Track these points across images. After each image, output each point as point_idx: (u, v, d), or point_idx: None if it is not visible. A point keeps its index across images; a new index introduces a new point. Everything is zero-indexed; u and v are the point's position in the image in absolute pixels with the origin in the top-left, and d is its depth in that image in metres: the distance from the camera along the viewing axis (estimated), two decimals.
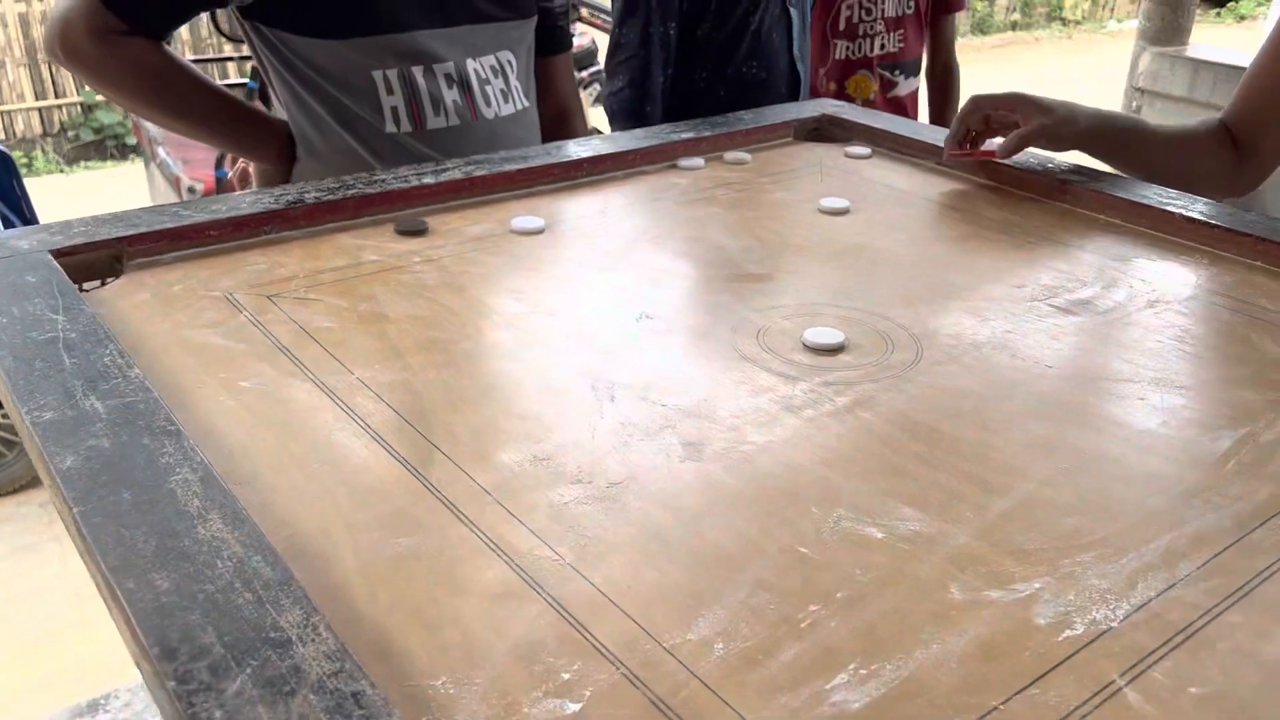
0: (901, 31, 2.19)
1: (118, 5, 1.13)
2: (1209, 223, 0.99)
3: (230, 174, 1.46)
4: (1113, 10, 12.06)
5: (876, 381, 0.75)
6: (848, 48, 2.17)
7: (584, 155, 1.15)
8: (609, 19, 2.33)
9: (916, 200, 1.12)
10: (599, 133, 1.49)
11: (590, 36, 4.27)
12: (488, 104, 1.29)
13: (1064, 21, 11.62)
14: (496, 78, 1.31)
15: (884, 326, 0.83)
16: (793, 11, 1.79)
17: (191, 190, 2.99)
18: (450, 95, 1.26)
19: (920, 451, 0.66)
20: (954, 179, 1.19)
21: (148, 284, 0.86)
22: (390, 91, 1.23)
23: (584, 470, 0.63)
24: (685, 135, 1.23)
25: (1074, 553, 0.57)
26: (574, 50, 3.92)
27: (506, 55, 1.33)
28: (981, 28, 11.06)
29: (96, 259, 0.88)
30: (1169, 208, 1.03)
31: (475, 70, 1.28)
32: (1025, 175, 1.14)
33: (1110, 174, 1.12)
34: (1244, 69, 1.18)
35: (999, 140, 1.13)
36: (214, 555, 0.50)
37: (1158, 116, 3.05)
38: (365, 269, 0.90)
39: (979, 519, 0.60)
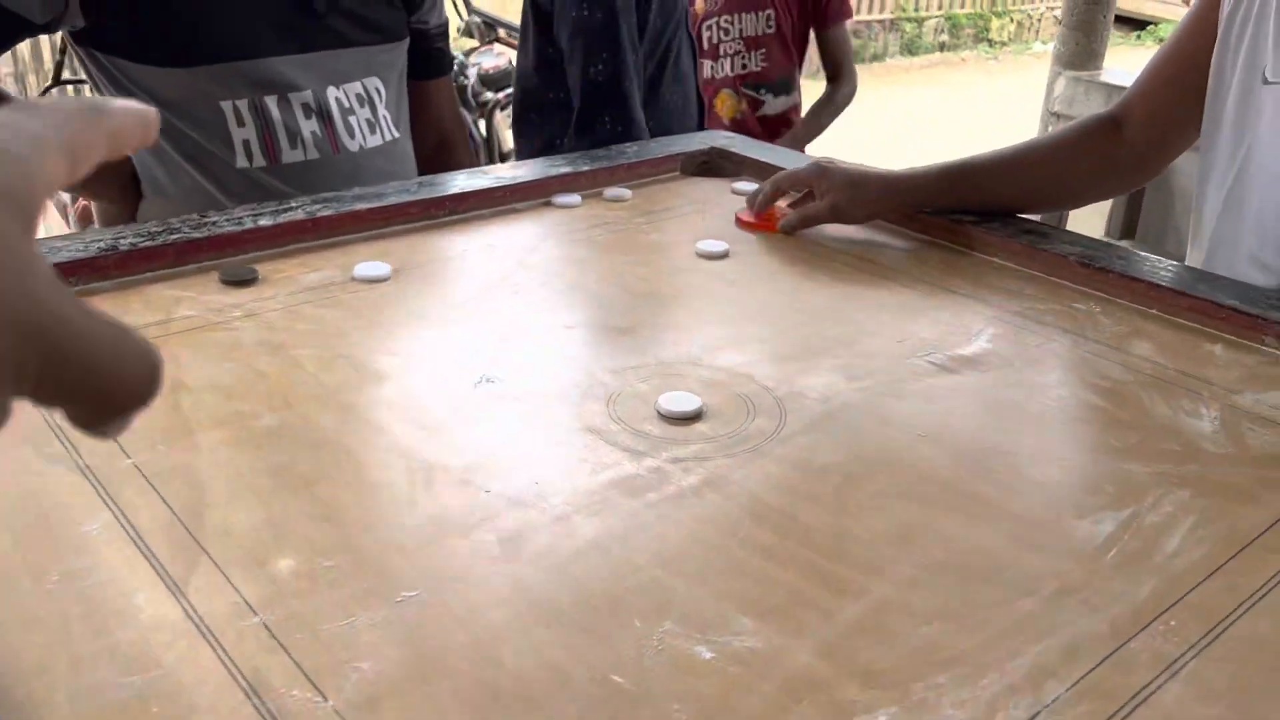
0: (763, 50, 2.17)
1: None
2: (1105, 269, 0.93)
3: (73, 215, 1.33)
4: (1038, 33, 12.29)
5: (732, 456, 0.67)
6: (711, 67, 2.16)
7: (447, 192, 1.06)
8: None
9: (802, 242, 1.05)
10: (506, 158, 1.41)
11: (507, 57, 4.19)
12: (351, 136, 1.20)
13: (990, 43, 11.82)
14: (362, 107, 1.21)
15: (748, 389, 0.75)
16: (689, 37, 1.73)
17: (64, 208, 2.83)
18: (308, 126, 1.16)
19: (769, 544, 0.58)
20: None
21: None
22: (241, 123, 1.13)
23: (376, 582, 0.54)
24: (562, 170, 1.15)
25: (929, 672, 0.49)
26: (491, 70, 3.80)
27: (374, 82, 1.23)
28: (910, 49, 11.20)
29: None
30: (1061, 251, 0.97)
31: (337, 99, 1.19)
32: (917, 215, 1.08)
33: (1008, 216, 1.06)
34: (919, 170, 1.09)
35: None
36: None
37: None
38: (175, 326, 0.80)
39: (825, 629, 0.52)
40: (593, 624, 0.52)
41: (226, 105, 1.12)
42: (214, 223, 0.94)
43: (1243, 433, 0.71)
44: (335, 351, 0.78)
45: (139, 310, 0.83)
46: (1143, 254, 0.97)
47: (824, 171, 1.04)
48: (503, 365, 0.77)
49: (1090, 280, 0.94)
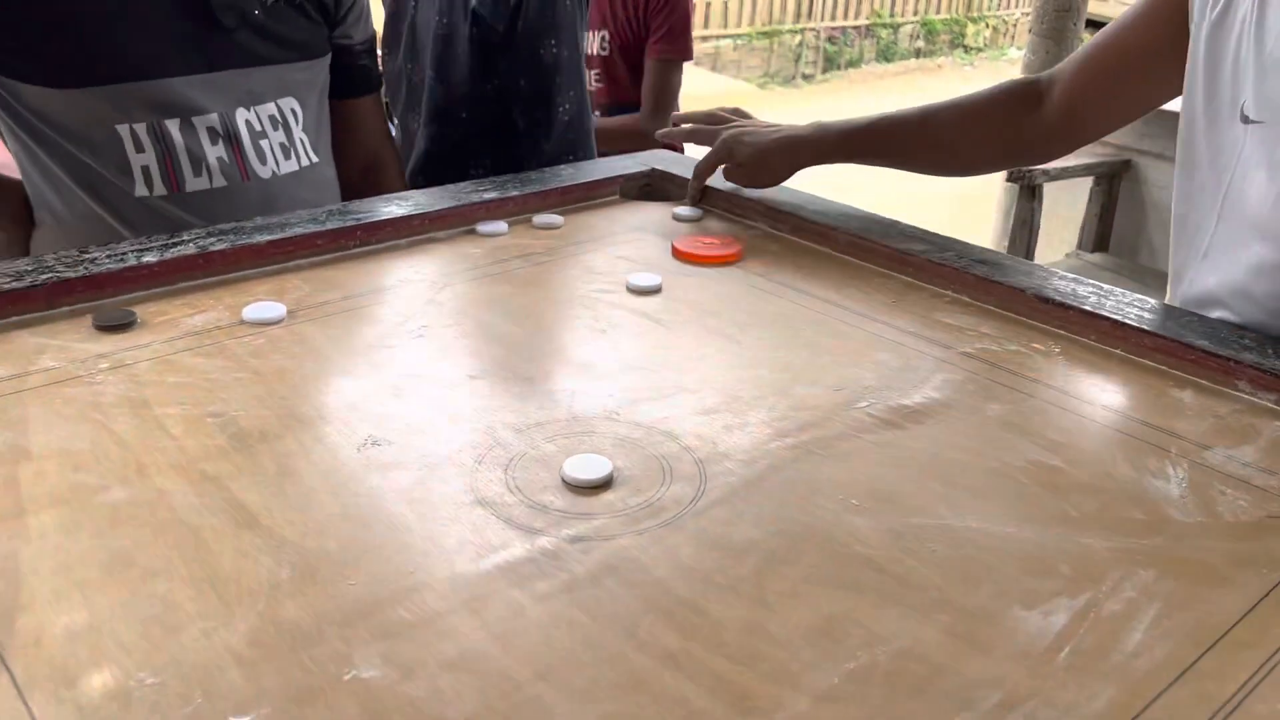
0: (597, 72, 2.11)
1: None
2: (1064, 304, 0.86)
3: None
4: (1014, 39, 12.30)
5: (641, 533, 0.59)
6: None
7: (359, 221, 0.98)
8: None
9: (742, 274, 0.98)
10: None
11: None
12: (263, 161, 1.11)
13: (966, 49, 11.82)
14: (275, 130, 1.12)
15: (666, 450, 0.68)
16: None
17: None
18: (214, 152, 1.07)
19: (671, 647, 0.50)
20: (788, 246, 1.05)
21: None
22: (140, 149, 1.04)
23: (202, 698, 0.46)
24: (489, 195, 1.08)
25: None
26: None
27: (289, 103, 1.14)
28: (885, 55, 11.18)
29: None
30: (1018, 284, 0.90)
31: (248, 122, 1.10)
32: (864, 243, 1.00)
33: (954, 241, 0.99)
34: (825, 123, 1.09)
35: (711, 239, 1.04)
36: None
37: None
38: (31, 381, 0.72)
39: None
40: None
41: (123, 129, 1.04)
42: (93, 259, 0.86)
43: (1214, 497, 0.64)
44: (205, 409, 0.69)
45: None
46: (1108, 287, 0.89)
47: (730, 150, 1.10)
48: (394, 424, 0.69)
49: (1050, 317, 0.87)
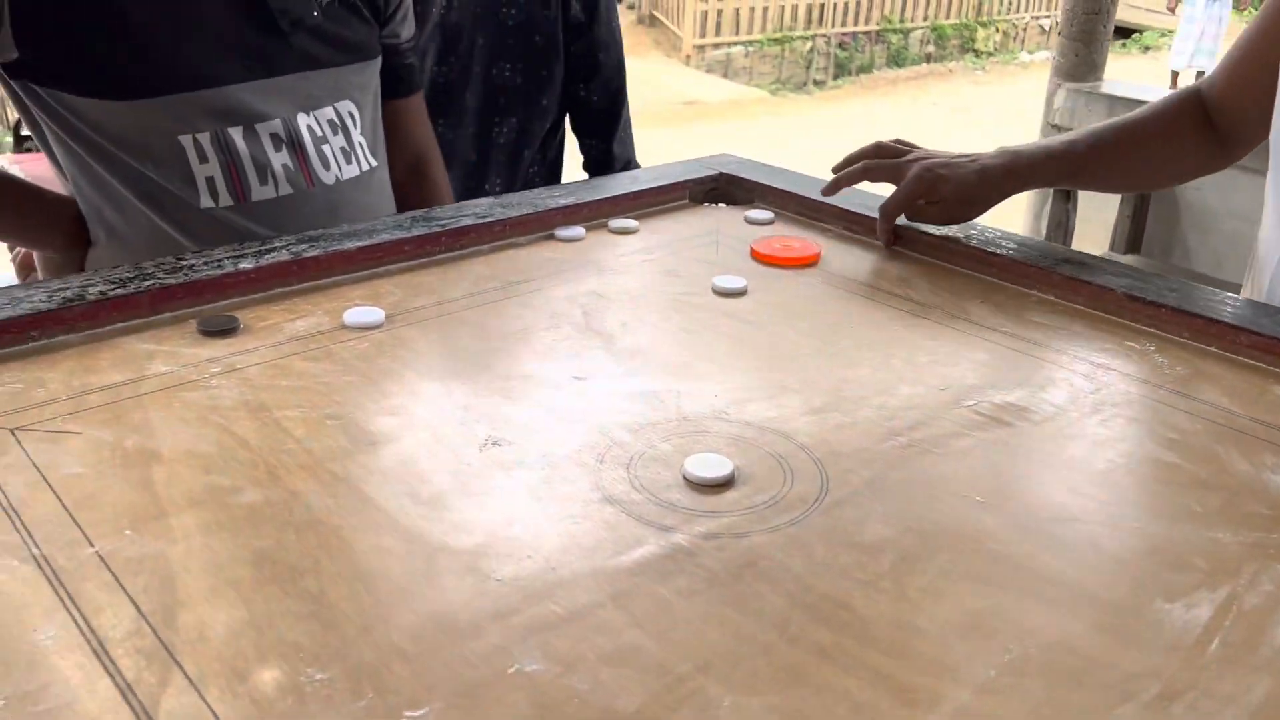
0: None
1: None
2: (1153, 301, 0.87)
3: (16, 263, 1.23)
4: (1023, 42, 12.30)
5: (774, 531, 0.60)
6: None
7: (442, 228, 0.99)
8: None
9: (823, 276, 0.98)
10: None
11: None
12: (326, 167, 1.09)
13: (976, 53, 11.82)
14: (336, 134, 1.11)
15: (782, 449, 0.68)
16: None
17: None
18: (279, 159, 1.05)
19: (824, 642, 0.51)
20: (865, 247, 1.06)
21: None
22: (204, 159, 1.02)
23: (374, 694, 0.47)
24: (563, 200, 1.08)
25: None
26: None
27: (347, 106, 1.12)
28: (896, 60, 11.19)
29: None
30: (1106, 283, 0.90)
31: (309, 127, 1.08)
32: (945, 243, 1.01)
33: (1038, 242, 1.00)
34: (1021, 150, 1.05)
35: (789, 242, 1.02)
36: None
37: None
38: (147, 385, 0.73)
39: None
40: None
41: (186, 139, 1.01)
42: (190, 266, 0.87)
43: None
44: (323, 412, 0.70)
45: (106, 368, 0.75)
46: (1195, 285, 0.90)
47: (932, 186, 1.00)
48: (510, 426, 0.70)
49: (1140, 315, 0.87)
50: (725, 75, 10.40)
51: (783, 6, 10.70)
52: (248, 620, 0.51)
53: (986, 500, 0.63)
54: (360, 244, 0.93)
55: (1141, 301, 0.87)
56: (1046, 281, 0.93)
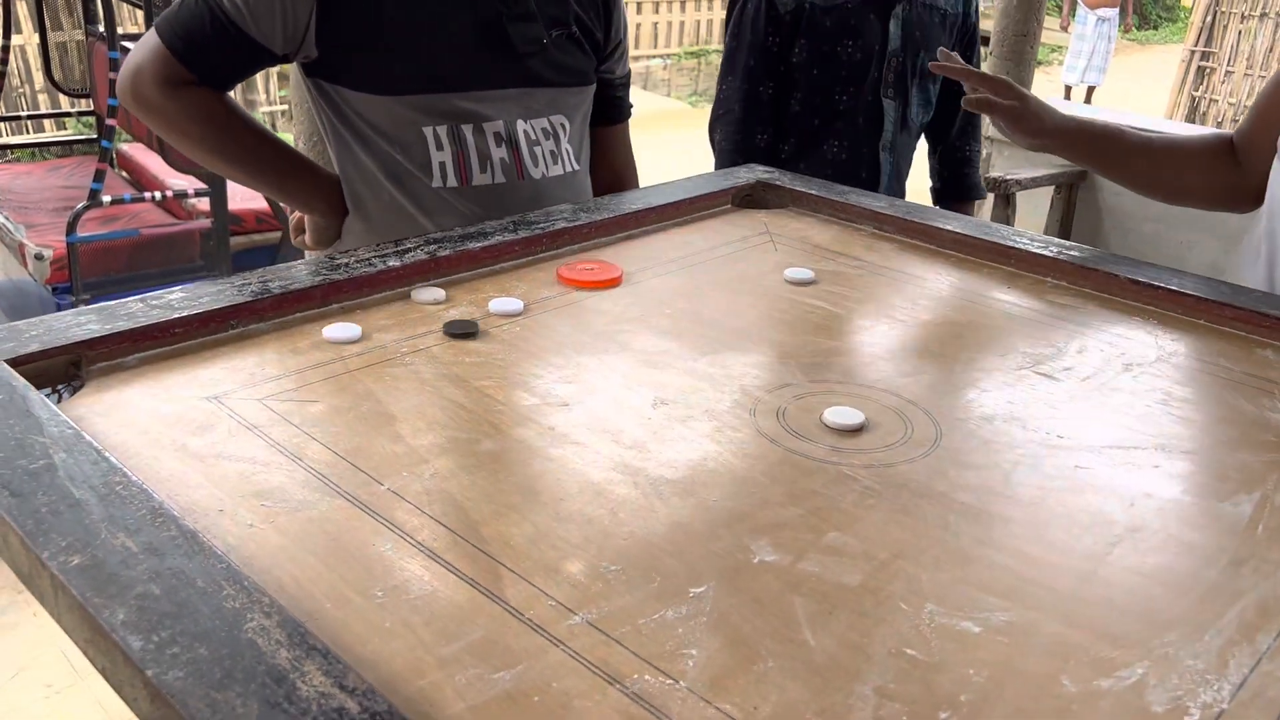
0: None
1: (186, 57, 1.17)
2: (1153, 284, 1.05)
3: (291, 223, 1.46)
4: None
5: (912, 462, 0.75)
6: None
7: (542, 231, 1.12)
8: None
9: (867, 268, 1.15)
10: None
11: None
12: (535, 164, 1.30)
13: None
14: (547, 139, 1.32)
15: (893, 402, 0.84)
16: (887, 102, 1.78)
17: (39, 257, 2.78)
18: (498, 153, 1.27)
19: (979, 535, 0.67)
20: (894, 244, 1.23)
21: (120, 392, 0.79)
22: (440, 147, 1.25)
23: (661, 579, 0.61)
24: (636, 205, 1.23)
25: (1160, 632, 0.59)
26: None
27: (560, 119, 1.34)
28: None
29: (52, 366, 0.80)
30: (1111, 270, 1.08)
31: (525, 131, 1.29)
32: (967, 238, 1.19)
33: (1050, 239, 1.18)
34: (1078, 117, 1.33)
35: None
36: (329, 718, 0.46)
37: (1006, 164, 3.24)
38: (351, 364, 0.85)
39: (1058, 604, 0.61)
40: (866, 609, 0.60)
41: (428, 130, 1.24)
42: (346, 265, 0.99)
43: None
44: (511, 381, 0.84)
45: (307, 349, 0.87)
46: (1183, 271, 1.09)
47: (1023, 96, 1.28)
48: (669, 388, 0.84)
49: (1140, 295, 1.06)
50: (645, 87, 10.61)
51: (698, 21, 10.97)
52: (536, 533, 0.65)
53: (1064, 435, 0.80)
54: (480, 245, 1.07)
55: (1141, 285, 1.06)
56: (1059, 270, 1.12)
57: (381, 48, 1.21)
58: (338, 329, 0.89)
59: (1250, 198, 1.25)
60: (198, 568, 0.55)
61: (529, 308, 0.98)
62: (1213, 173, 1.26)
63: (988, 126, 3.49)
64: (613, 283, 1.05)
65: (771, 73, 1.77)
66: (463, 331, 0.91)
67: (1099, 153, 1.30)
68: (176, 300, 0.89)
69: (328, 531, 0.64)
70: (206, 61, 1.19)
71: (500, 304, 0.97)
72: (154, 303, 0.88)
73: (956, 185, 2.01)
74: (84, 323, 0.84)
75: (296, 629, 0.51)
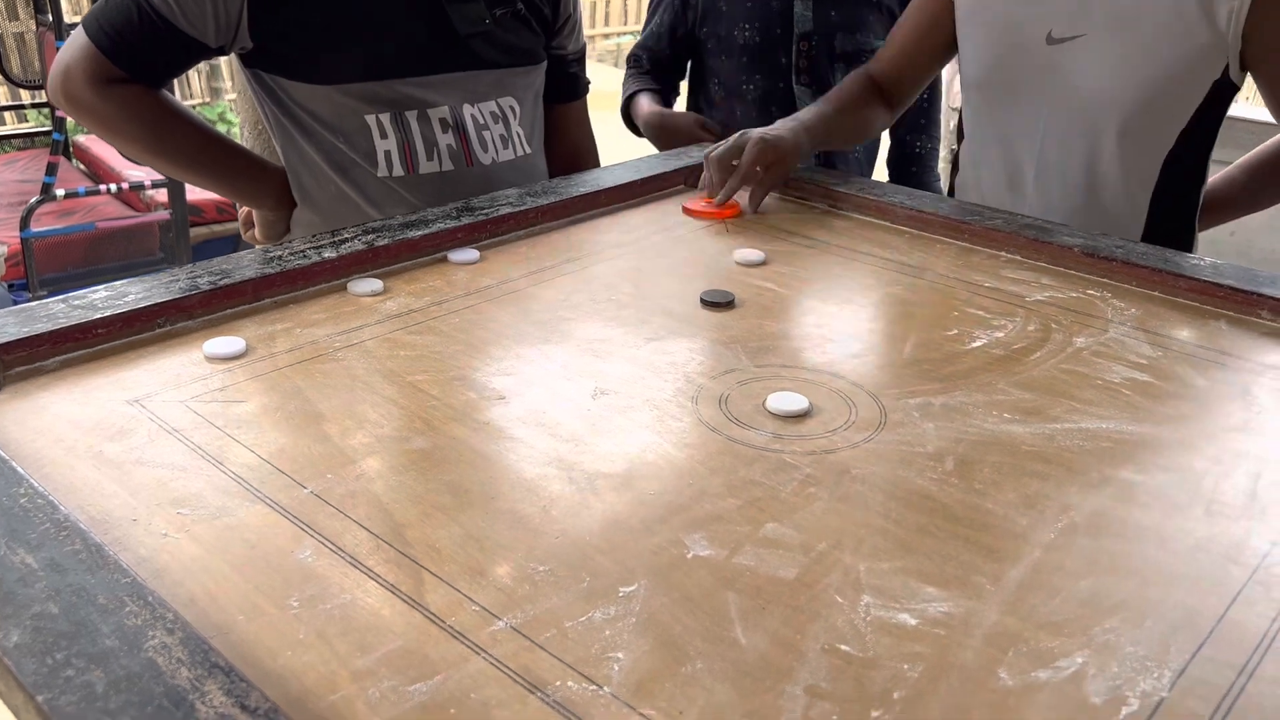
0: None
1: (115, 54, 1.13)
2: (1106, 256, 1.04)
3: (240, 218, 1.43)
4: None
5: (855, 447, 0.74)
6: None
7: (486, 217, 1.10)
8: None
9: (825, 247, 1.13)
10: None
11: None
12: (484, 150, 1.27)
13: None
14: (496, 123, 1.28)
15: (839, 386, 0.82)
16: (800, 89, 1.68)
17: None
18: (445, 140, 1.24)
19: (921, 522, 0.65)
20: (851, 222, 1.21)
21: (37, 398, 0.76)
22: (384, 135, 1.22)
23: (590, 578, 0.59)
24: (581, 190, 1.20)
25: (1101, 619, 0.57)
26: None
27: (509, 101, 1.30)
28: None
29: None
30: (1064, 242, 1.07)
31: (473, 116, 1.26)
32: (921, 214, 1.17)
33: (1004, 213, 1.16)
34: (802, 119, 1.34)
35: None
36: None
37: None
38: (280, 361, 0.83)
39: (998, 593, 0.59)
40: (801, 604, 0.58)
41: (371, 118, 1.21)
42: (280, 258, 0.96)
43: (1270, 390, 0.82)
44: (447, 375, 0.82)
45: (233, 348, 0.84)
46: (1136, 243, 1.07)
47: (767, 148, 1.22)
48: (609, 378, 0.82)
49: (1094, 268, 1.05)
50: (616, 65, 10.54)
51: None
52: (464, 534, 0.63)
53: (1013, 417, 0.78)
54: (422, 233, 1.04)
55: (1095, 257, 1.04)
56: (1014, 244, 1.10)
57: (318, 36, 1.18)
58: (219, 344, 0.83)
59: (898, 108, 1.44)
60: (100, 583, 0.53)
61: (466, 296, 0.96)
62: (878, 106, 1.40)
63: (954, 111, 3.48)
64: (733, 211, 1.19)
65: (682, 56, 1.75)
66: (718, 300, 0.95)
67: (827, 136, 1.34)
68: (100, 300, 0.86)
69: (245, 539, 0.62)
70: (136, 58, 1.14)
71: (460, 254, 0.95)
72: (76, 303, 0.85)
73: (906, 185, 1.96)
74: (1, 325, 0.81)
75: (199, 646, 0.49)
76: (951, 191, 1.44)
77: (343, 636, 0.54)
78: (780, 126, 1.25)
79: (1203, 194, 1.26)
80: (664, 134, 1.66)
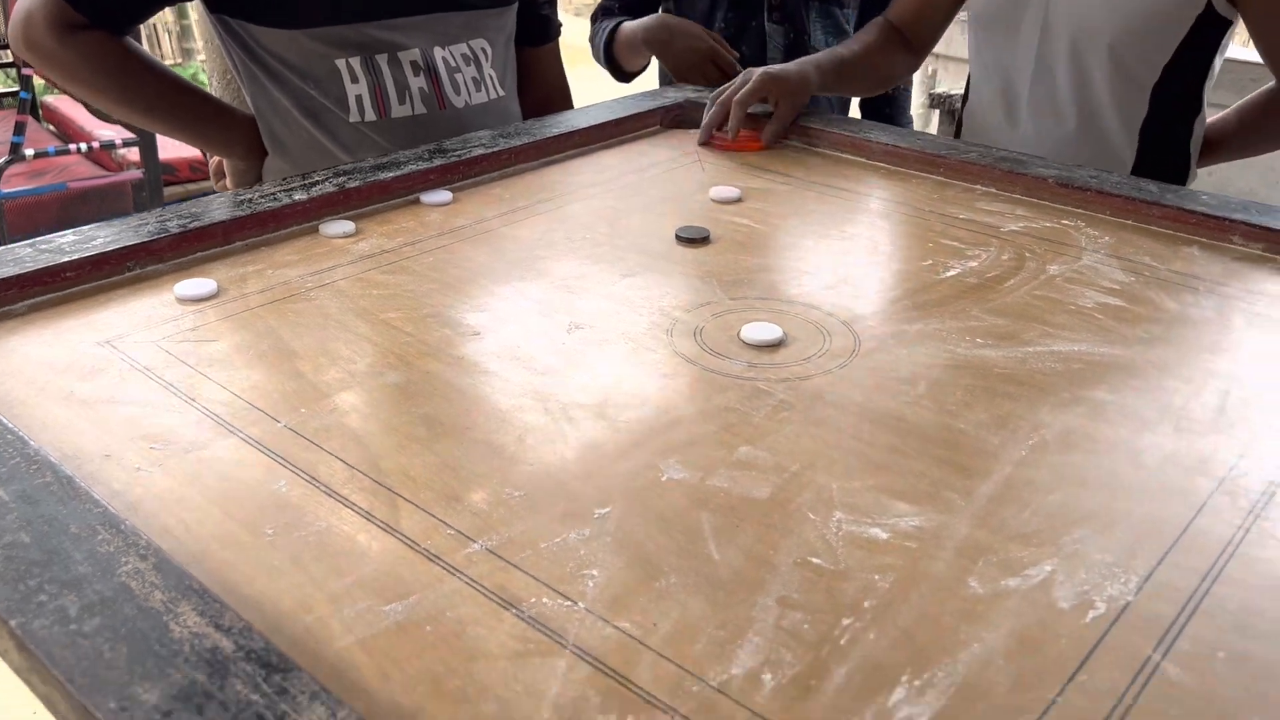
0: None
1: (78, 0, 1.10)
2: (1080, 186, 1.04)
3: (211, 167, 1.42)
4: None
5: (828, 374, 0.74)
6: None
7: (458, 159, 1.09)
8: None
9: (800, 183, 1.12)
10: None
11: None
12: (457, 92, 1.25)
13: None
14: (468, 66, 1.27)
15: (814, 316, 0.82)
16: (771, 27, 1.65)
17: None
18: (417, 83, 1.22)
19: (894, 442, 0.66)
20: (822, 159, 1.20)
21: (6, 341, 0.75)
22: (355, 80, 1.20)
23: (565, 502, 0.59)
24: (555, 130, 1.19)
25: (1070, 529, 0.58)
26: None
27: (480, 43, 1.28)
28: None
29: None
30: (1039, 174, 1.07)
31: (444, 58, 1.24)
32: (896, 149, 1.16)
33: (980, 146, 1.16)
34: (815, 62, 1.34)
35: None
36: (201, 658, 0.44)
37: (951, 80, 3.21)
38: (252, 301, 0.82)
39: (969, 507, 0.60)
40: (773, 521, 0.58)
41: (341, 63, 1.19)
42: (250, 200, 0.95)
43: (1240, 310, 0.82)
44: (421, 313, 0.81)
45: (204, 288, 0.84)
46: (1110, 172, 1.07)
47: (772, 81, 1.23)
48: (584, 313, 0.82)
49: (1069, 199, 1.05)
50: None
51: None
52: (440, 463, 0.63)
53: (985, 341, 0.78)
54: (393, 175, 1.03)
55: (1070, 187, 1.04)
56: (989, 176, 1.10)
57: None
58: (189, 285, 0.83)
59: (921, 52, 1.44)
60: (72, 514, 0.53)
61: (440, 236, 0.95)
62: (899, 55, 1.41)
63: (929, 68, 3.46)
64: (756, 145, 1.22)
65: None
66: (693, 236, 0.95)
67: (840, 81, 1.34)
68: (67, 244, 0.85)
69: (219, 472, 0.61)
70: (97, 3, 1.11)
71: (431, 196, 0.95)
72: (43, 247, 0.84)
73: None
74: None
75: (173, 570, 0.49)
76: (959, 127, 1.46)
77: (318, 562, 0.54)
78: (789, 64, 1.27)
79: (1203, 132, 1.27)
80: (671, 37, 1.57)
